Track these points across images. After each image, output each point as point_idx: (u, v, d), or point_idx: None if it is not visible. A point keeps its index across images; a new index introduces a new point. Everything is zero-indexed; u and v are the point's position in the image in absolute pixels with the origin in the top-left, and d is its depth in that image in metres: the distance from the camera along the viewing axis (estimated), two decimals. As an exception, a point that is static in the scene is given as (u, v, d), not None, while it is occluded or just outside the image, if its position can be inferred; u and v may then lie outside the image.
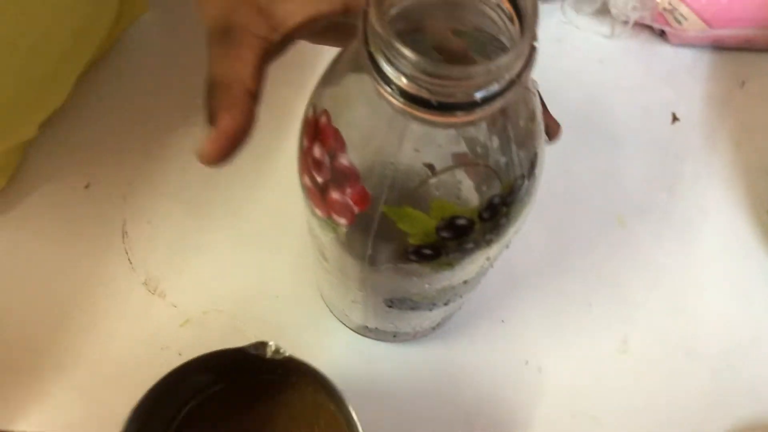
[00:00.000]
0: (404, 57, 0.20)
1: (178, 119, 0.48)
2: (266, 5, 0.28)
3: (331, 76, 0.27)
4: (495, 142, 0.26)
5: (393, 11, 0.23)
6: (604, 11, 0.51)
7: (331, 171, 0.26)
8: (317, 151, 0.26)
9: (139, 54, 0.51)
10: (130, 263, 0.44)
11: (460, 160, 0.25)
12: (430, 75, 0.20)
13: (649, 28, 0.51)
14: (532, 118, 0.27)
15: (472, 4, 0.24)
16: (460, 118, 0.22)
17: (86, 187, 0.46)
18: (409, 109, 0.21)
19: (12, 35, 0.37)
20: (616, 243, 0.46)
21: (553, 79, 0.51)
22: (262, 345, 0.33)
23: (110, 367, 0.42)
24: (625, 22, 0.50)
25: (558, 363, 0.43)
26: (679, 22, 0.47)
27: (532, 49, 0.22)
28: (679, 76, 0.51)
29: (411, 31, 0.26)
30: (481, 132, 0.25)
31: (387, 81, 0.21)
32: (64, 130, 0.47)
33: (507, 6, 0.23)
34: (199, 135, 0.27)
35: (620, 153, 0.49)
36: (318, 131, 0.26)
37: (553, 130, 0.32)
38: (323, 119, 0.26)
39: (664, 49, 0.52)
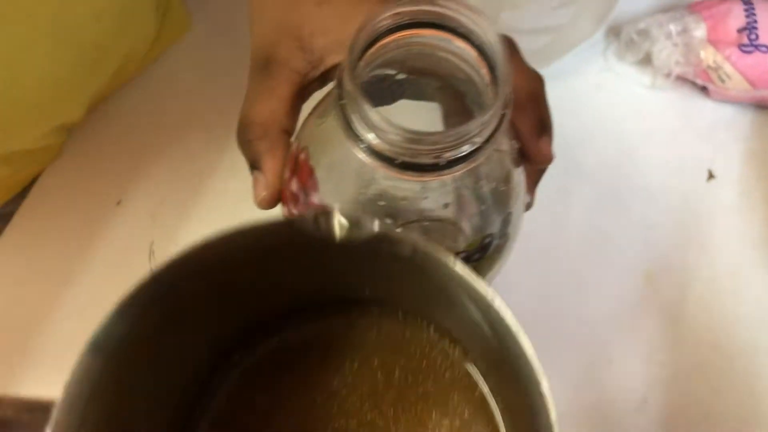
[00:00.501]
0: (371, 120, 0.21)
1: (215, 142, 0.48)
2: (308, 41, 0.29)
3: (316, 113, 0.28)
4: (463, 200, 0.26)
5: (377, 62, 0.23)
6: (646, 61, 0.51)
7: (305, 207, 0.27)
8: (294, 186, 0.27)
9: (179, 71, 0.52)
10: (155, 283, 0.44)
11: (425, 216, 0.25)
12: (394, 141, 0.21)
13: (691, 81, 0.50)
14: (506, 179, 0.27)
15: (452, 65, 0.24)
16: (426, 177, 0.22)
17: (118, 203, 0.46)
18: (375, 165, 0.22)
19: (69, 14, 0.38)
20: (642, 298, 0.46)
21: (589, 125, 0.51)
22: (324, 216, 0.21)
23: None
24: (667, 75, 0.50)
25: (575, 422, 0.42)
26: (723, 81, 0.47)
27: (503, 116, 0.22)
28: (718, 133, 0.50)
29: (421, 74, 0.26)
30: (447, 189, 0.25)
31: (355, 136, 0.22)
32: (99, 142, 0.48)
33: (485, 72, 0.23)
34: (250, 180, 0.28)
35: (652, 206, 0.48)
36: (297, 167, 0.27)
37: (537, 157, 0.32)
38: (302, 156, 0.27)
39: (704, 104, 0.51)
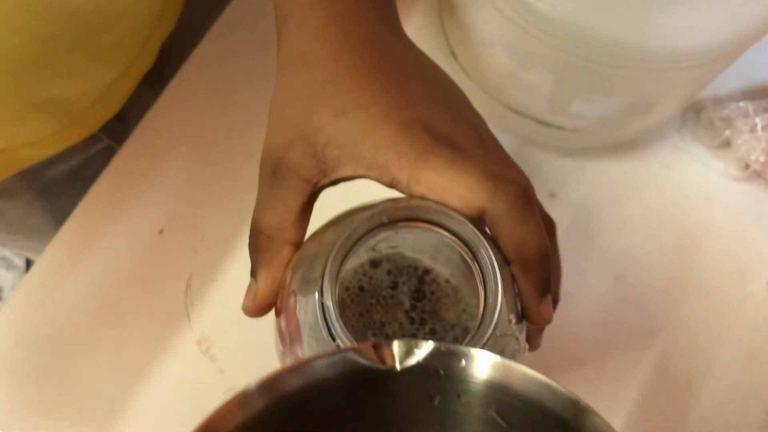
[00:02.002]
0: (342, 338, 0.22)
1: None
2: (322, 150, 0.28)
3: (317, 240, 0.29)
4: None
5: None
6: (723, 147, 0.48)
7: (290, 348, 0.27)
8: (282, 324, 0.28)
9: (220, 80, 0.50)
10: (188, 319, 0.45)
11: None
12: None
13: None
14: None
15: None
16: None
17: (160, 232, 0.46)
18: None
19: None
20: (681, 406, 0.44)
21: (653, 206, 0.48)
22: (381, 346, 0.20)
23: (145, 416, 0.42)
24: (744, 168, 0.47)
25: None
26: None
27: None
28: (790, 236, 0.48)
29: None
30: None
31: (330, 336, 0.23)
32: (143, 165, 0.47)
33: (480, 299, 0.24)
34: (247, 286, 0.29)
35: (704, 304, 0.46)
36: (286, 309, 0.28)
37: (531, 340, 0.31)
38: (291, 300, 0.27)
39: (777, 202, 0.48)
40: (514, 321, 0.26)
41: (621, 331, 0.46)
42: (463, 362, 0.19)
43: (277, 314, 0.28)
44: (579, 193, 0.48)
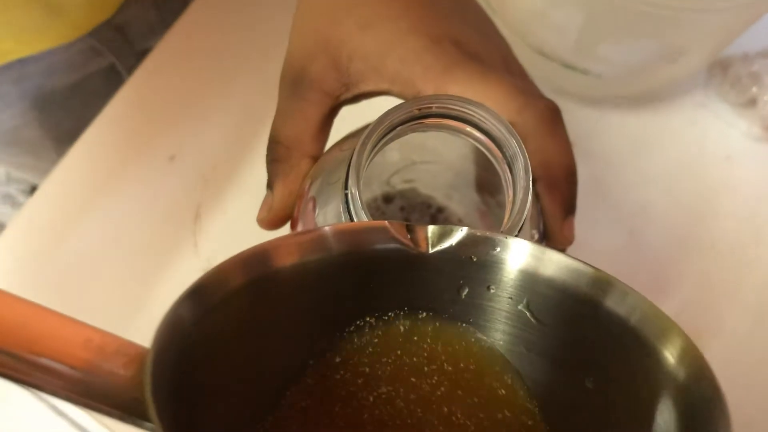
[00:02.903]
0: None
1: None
2: (345, 63, 0.27)
3: (339, 148, 0.28)
4: None
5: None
6: (748, 105, 0.47)
7: None
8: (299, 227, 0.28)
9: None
10: (196, 247, 0.44)
11: None
12: None
13: (792, 137, 0.46)
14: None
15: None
16: None
17: (171, 158, 0.45)
18: None
19: None
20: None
21: (673, 160, 0.47)
22: (415, 228, 0.19)
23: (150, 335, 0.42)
24: (766, 127, 0.46)
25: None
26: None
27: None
28: (809, 197, 0.47)
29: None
30: None
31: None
32: (152, 91, 0.47)
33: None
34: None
35: (716, 264, 0.46)
36: (304, 215, 0.27)
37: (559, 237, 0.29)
38: (310, 206, 0.27)
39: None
40: (536, 237, 0.25)
41: (631, 285, 0.45)
42: (498, 249, 0.19)
43: (293, 226, 0.28)
44: (598, 144, 0.47)
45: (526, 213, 0.20)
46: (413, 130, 0.23)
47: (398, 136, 0.23)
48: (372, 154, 0.22)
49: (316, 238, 0.18)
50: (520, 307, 0.19)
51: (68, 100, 0.51)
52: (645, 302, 0.18)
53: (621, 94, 0.47)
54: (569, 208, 0.26)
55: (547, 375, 0.19)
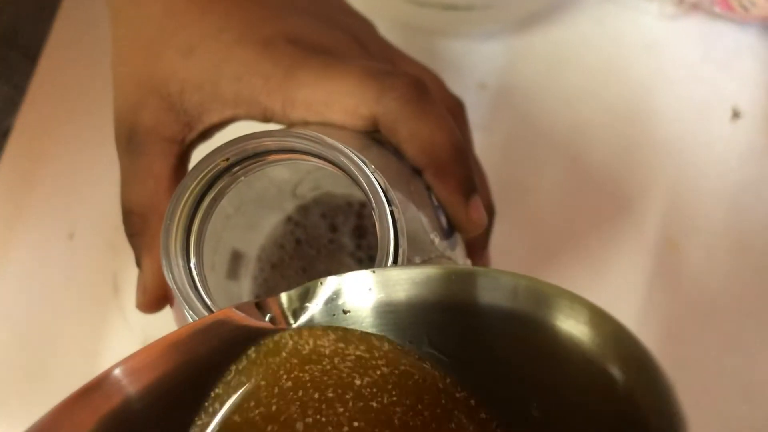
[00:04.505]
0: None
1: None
2: (179, 99, 0.24)
3: None
4: None
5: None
6: (652, -14, 0.43)
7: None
8: (174, 313, 0.25)
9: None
10: (127, 321, 0.40)
11: None
12: None
13: (706, 10, 0.43)
14: None
15: None
16: None
17: (70, 238, 0.41)
18: None
19: None
20: (666, 271, 0.41)
21: (592, 72, 0.44)
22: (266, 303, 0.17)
23: None
24: (679, 2, 0.42)
25: None
26: (746, 9, 0.40)
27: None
28: (742, 63, 0.43)
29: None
30: None
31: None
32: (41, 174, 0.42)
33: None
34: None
35: (671, 160, 0.42)
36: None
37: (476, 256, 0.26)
38: None
39: (724, 31, 0.44)
40: (437, 239, 0.22)
41: (590, 211, 0.42)
42: (370, 289, 0.15)
43: (171, 303, 0.24)
44: (511, 77, 0.44)
45: (392, 239, 0.17)
46: (250, 171, 0.19)
47: (231, 183, 0.19)
48: (201, 221, 0.18)
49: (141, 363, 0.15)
50: (424, 350, 0.15)
51: None
52: (518, 278, 0.15)
53: (518, 19, 0.43)
54: (468, 188, 0.23)
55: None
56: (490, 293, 0.14)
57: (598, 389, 0.14)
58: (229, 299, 0.29)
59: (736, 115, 0.43)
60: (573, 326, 0.14)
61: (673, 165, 0.42)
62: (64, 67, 0.44)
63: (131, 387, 0.15)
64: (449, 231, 0.23)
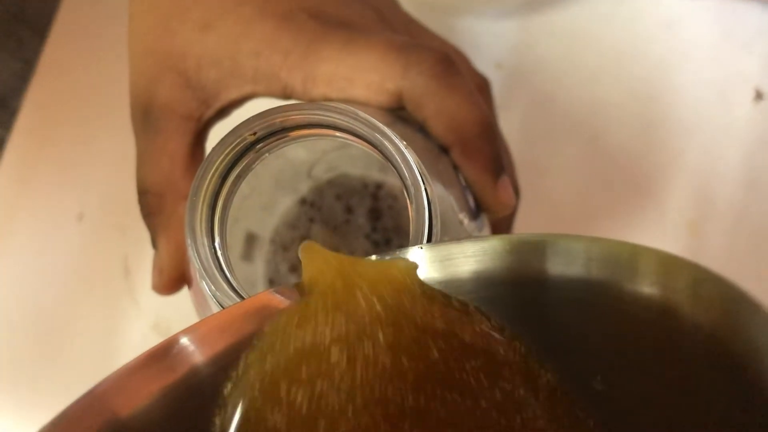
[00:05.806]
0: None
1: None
2: (196, 75, 0.23)
3: None
4: None
5: None
6: (674, -38, 0.42)
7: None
8: (192, 293, 0.24)
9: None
10: (137, 303, 0.40)
11: None
12: None
13: (730, -17, 0.42)
14: None
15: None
16: None
17: (80, 219, 0.41)
18: None
19: None
20: (685, 254, 0.40)
21: (612, 48, 0.43)
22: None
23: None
24: (701, -20, 0.41)
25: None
26: (772, -14, 0.39)
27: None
28: (765, 43, 0.42)
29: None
30: None
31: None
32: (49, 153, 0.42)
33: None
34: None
35: (690, 141, 0.42)
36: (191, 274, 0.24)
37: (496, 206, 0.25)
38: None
39: (746, 10, 0.43)
40: (467, 220, 0.21)
41: (608, 193, 0.41)
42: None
43: (189, 285, 0.24)
44: (528, 56, 0.43)
45: (426, 219, 0.16)
46: (275, 147, 0.19)
47: (256, 160, 0.18)
48: (225, 199, 0.18)
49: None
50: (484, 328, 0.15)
51: None
52: (597, 242, 0.14)
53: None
54: (497, 167, 0.22)
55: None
56: (560, 261, 0.14)
57: (701, 361, 0.13)
58: (244, 281, 0.29)
59: (759, 96, 0.42)
60: (671, 293, 0.13)
61: (693, 146, 0.41)
62: (74, 42, 0.43)
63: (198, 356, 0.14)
64: (476, 211, 0.22)
